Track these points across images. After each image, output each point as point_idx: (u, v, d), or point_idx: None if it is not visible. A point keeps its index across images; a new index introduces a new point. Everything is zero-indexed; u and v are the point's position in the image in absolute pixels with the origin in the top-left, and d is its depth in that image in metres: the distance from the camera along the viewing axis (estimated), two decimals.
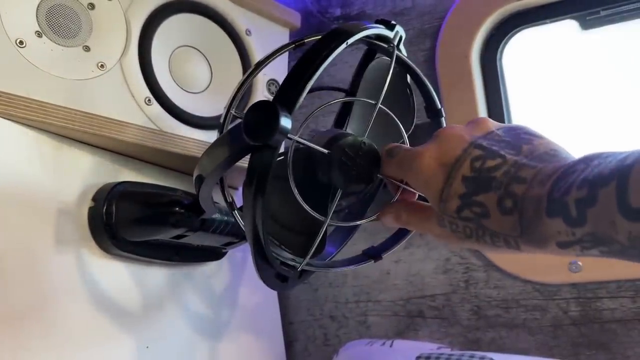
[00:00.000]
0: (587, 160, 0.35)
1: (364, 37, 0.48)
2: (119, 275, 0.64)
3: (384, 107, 0.48)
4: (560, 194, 0.33)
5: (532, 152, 0.38)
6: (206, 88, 0.74)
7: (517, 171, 0.37)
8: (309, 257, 0.50)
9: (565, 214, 0.33)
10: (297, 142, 0.44)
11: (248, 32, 0.77)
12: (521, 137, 0.41)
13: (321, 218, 0.48)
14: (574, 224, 0.33)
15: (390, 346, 0.83)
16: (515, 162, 0.38)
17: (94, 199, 0.62)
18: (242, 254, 0.84)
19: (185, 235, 0.62)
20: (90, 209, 0.61)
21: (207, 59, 0.75)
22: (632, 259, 0.32)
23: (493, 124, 0.43)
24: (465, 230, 0.39)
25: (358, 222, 0.55)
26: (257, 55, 0.77)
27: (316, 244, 0.49)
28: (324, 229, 0.49)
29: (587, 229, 0.32)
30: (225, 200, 0.52)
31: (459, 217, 0.39)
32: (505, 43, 0.87)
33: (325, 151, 0.46)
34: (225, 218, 0.64)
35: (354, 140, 0.47)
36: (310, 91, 0.43)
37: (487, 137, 0.41)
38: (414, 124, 0.56)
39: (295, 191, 0.46)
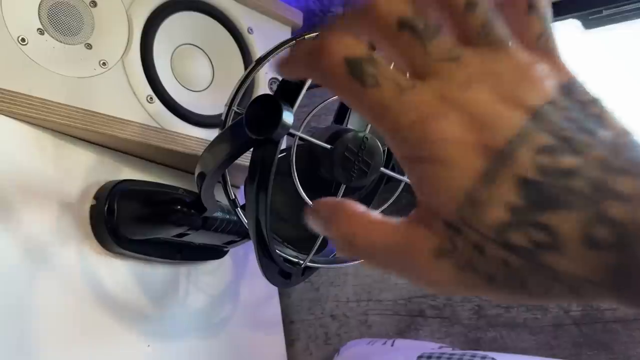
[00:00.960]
0: None
1: None
2: (120, 274, 0.64)
3: None
4: None
5: (615, 141, 0.22)
6: (208, 86, 0.74)
7: (610, 181, 0.21)
8: (313, 253, 0.50)
9: None
10: (300, 137, 0.44)
11: (250, 31, 0.77)
12: (590, 112, 0.24)
13: None
14: None
15: (392, 345, 0.83)
16: (603, 163, 0.21)
17: (96, 197, 0.62)
18: (243, 253, 0.84)
19: (187, 234, 0.62)
20: (92, 207, 0.61)
21: (209, 57, 0.74)
22: None
23: (550, 78, 0.24)
24: (496, 270, 0.22)
25: None
26: (259, 54, 0.77)
27: (320, 240, 0.49)
28: None
29: None
30: (228, 198, 0.52)
31: (501, 242, 0.21)
32: None
33: (328, 146, 0.46)
34: (227, 216, 0.64)
35: (356, 135, 0.47)
36: (310, 87, 0.43)
37: (552, 108, 0.23)
38: None
39: (299, 187, 0.46)
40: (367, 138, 0.47)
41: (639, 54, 0.86)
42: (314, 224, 0.29)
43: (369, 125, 0.48)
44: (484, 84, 0.22)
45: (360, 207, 0.27)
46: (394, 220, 0.25)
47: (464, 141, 0.22)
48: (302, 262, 0.51)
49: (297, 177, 0.47)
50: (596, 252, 0.20)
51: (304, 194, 0.47)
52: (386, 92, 0.22)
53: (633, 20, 0.83)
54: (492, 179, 0.21)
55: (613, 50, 0.88)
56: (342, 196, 0.49)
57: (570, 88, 0.24)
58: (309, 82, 0.42)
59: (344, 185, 0.48)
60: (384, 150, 0.50)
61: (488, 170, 0.21)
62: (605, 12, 0.83)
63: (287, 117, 0.40)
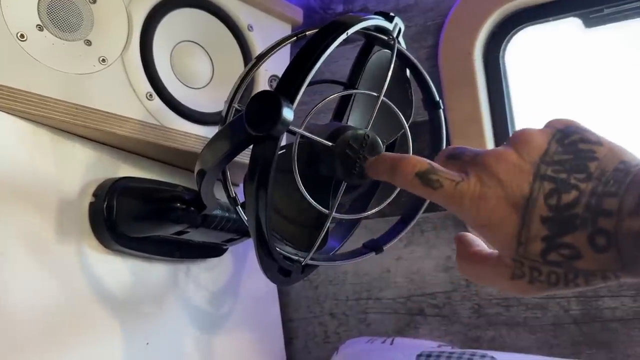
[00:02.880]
0: None
1: (363, 28, 0.47)
2: (119, 271, 0.64)
3: (386, 100, 0.48)
4: None
5: (603, 172, 0.34)
6: (208, 83, 0.74)
7: (599, 204, 0.33)
8: (313, 251, 0.50)
9: None
10: (301, 135, 0.44)
11: (250, 28, 0.77)
12: (581, 151, 0.36)
13: (325, 211, 0.48)
14: None
15: (391, 344, 0.83)
16: (592, 191, 0.34)
17: (95, 194, 0.62)
18: (242, 251, 0.83)
19: (186, 232, 0.62)
20: (91, 205, 0.61)
21: (208, 54, 0.74)
22: None
23: (541, 137, 0.37)
24: (550, 277, 0.34)
25: (363, 215, 0.55)
26: (259, 51, 0.76)
27: (321, 237, 0.49)
28: (328, 223, 0.49)
29: None
30: (228, 195, 0.52)
31: (545, 262, 0.34)
32: (508, 41, 0.87)
33: (329, 144, 0.46)
34: (227, 214, 0.63)
35: (358, 132, 0.47)
36: (310, 84, 0.43)
37: (547, 161, 0.36)
38: (412, 116, 0.56)
39: (300, 185, 0.46)
40: (368, 135, 0.47)
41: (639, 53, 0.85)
42: None
43: (371, 123, 0.48)
44: (499, 170, 0.36)
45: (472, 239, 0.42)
46: (486, 253, 0.39)
47: (501, 208, 0.35)
48: (302, 259, 0.50)
49: (298, 175, 0.46)
50: (603, 254, 0.32)
51: (305, 192, 0.46)
52: (447, 188, 0.37)
53: (634, 19, 0.83)
54: (527, 224, 0.35)
55: (614, 49, 0.88)
56: (343, 193, 0.49)
57: (561, 134, 0.37)
58: (308, 79, 0.41)
59: (345, 183, 0.48)
60: (386, 147, 0.50)
61: (521, 219, 0.35)
62: (606, 11, 0.83)
63: (287, 113, 0.40)
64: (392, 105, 0.49)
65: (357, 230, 0.62)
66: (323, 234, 0.49)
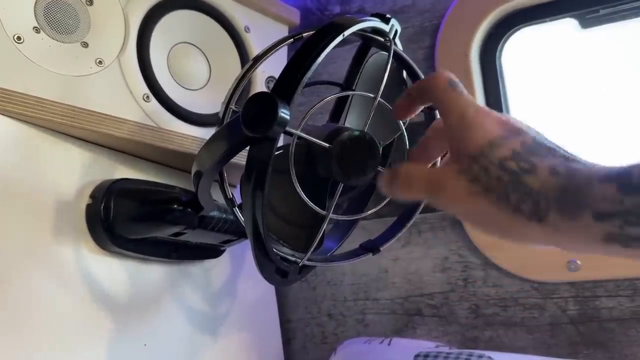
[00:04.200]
0: None
1: (360, 30, 0.47)
2: (116, 273, 0.64)
3: (383, 101, 0.48)
4: (627, 167, 0.32)
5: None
6: (205, 85, 0.74)
7: (574, 159, 0.36)
8: (310, 252, 0.50)
9: (622, 179, 0.31)
10: (298, 136, 0.44)
11: (247, 29, 0.77)
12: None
13: (322, 212, 0.48)
14: (629, 191, 0.31)
15: (389, 344, 0.83)
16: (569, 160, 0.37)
17: (92, 196, 0.62)
18: (240, 252, 0.83)
19: (184, 233, 0.62)
20: (88, 206, 0.61)
21: (205, 56, 0.74)
22: None
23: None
24: (491, 183, 0.37)
25: (360, 216, 0.55)
26: (256, 52, 0.76)
27: (318, 238, 0.49)
28: (325, 224, 0.49)
29: None
30: (225, 196, 0.52)
31: (499, 166, 0.36)
32: (505, 41, 0.87)
33: (327, 145, 0.46)
34: (224, 215, 0.63)
35: (355, 133, 0.47)
36: (307, 85, 0.43)
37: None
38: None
39: (297, 186, 0.46)
40: (365, 136, 0.47)
41: (636, 53, 0.86)
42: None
43: (368, 123, 0.48)
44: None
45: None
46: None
47: (493, 126, 0.38)
48: (299, 260, 0.51)
49: (295, 176, 0.47)
50: (555, 177, 0.34)
51: (302, 193, 0.47)
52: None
53: (630, 20, 0.83)
54: (507, 139, 0.37)
55: (610, 50, 0.88)
56: (340, 194, 0.49)
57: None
58: (305, 80, 0.42)
59: (342, 184, 0.48)
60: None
61: (505, 135, 0.38)
62: (602, 12, 0.84)
63: (284, 114, 0.40)
64: (389, 107, 0.49)
65: (355, 230, 0.62)
66: (320, 235, 0.49)
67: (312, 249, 0.50)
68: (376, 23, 0.50)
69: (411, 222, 0.56)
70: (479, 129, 0.38)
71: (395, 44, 0.52)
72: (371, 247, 0.55)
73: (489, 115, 0.39)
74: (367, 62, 0.56)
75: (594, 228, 0.32)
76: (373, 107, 0.48)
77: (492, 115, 0.39)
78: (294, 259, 0.50)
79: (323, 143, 0.46)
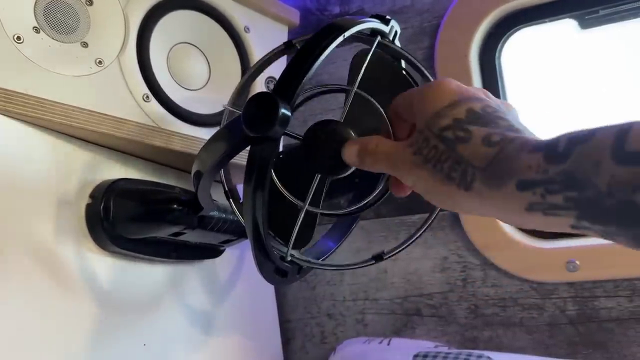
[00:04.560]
0: None
1: (358, 32, 0.48)
2: (116, 273, 0.64)
3: (361, 92, 0.48)
4: (555, 137, 0.33)
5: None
6: (204, 85, 0.74)
7: (517, 130, 0.36)
8: (291, 245, 0.50)
9: (549, 149, 0.32)
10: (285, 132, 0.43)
11: (247, 30, 0.77)
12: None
13: (300, 204, 0.48)
14: (554, 160, 0.31)
15: (388, 344, 0.83)
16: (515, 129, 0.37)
17: (92, 195, 0.62)
18: (239, 252, 0.83)
19: (183, 233, 0.62)
20: (88, 206, 0.61)
21: (205, 56, 0.74)
22: (597, 214, 0.30)
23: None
24: (429, 153, 0.38)
25: (342, 211, 0.55)
26: (255, 53, 0.77)
27: (296, 230, 0.49)
28: (302, 215, 0.48)
29: (565, 167, 0.31)
30: (225, 190, 0.52)
31: (437, 136, 0.38)
32: (504, 42, 0.87)
33: (300, 136, 0.46)
34: (224, 215, 0.64)
35: (327, 123, 0.46)
36: (322, 93, 0.43)
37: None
38: None
39: (275, 179, 0.47)
40: (337, 125, 0.46)
41: (635, 54, 0.86)
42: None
43: (344, 115, 0.48)
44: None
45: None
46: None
47: (448, 90, 0.39)
48: (284, 254, 0.50)
49: (273, 171, 0.47)
50: (487, 148, 0.35)
51: (280, 185, 0.47)
52: None
53: (629, 20, 0.83)
54: (454, 108, 0.38)
55: (609, 50, 0.88)
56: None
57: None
58: (305, 80, 0.42)
59: (319, 176, 0.48)
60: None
61: (452, 104, 0.38)
62: (601, 12, 0.84)
63: (285, 114, 0.40)
64: (370, 98, 0.49)
65: (354, 231, 0.62)
66: (303, 230, 0.49)
67: (291, 241, 0.49)
68: (376, 24, 0.50)
69: (419, 235, 0.55)
70: (431, 101, 0.39)
71: (393, 43, 0.52)
72: (377, 256, 0.55)
73: (447, 85, 0.40)
74: (368, 61, 0.56)
75: (518, 198, 0.33)
76: (350, 98, 0.48)
77: (451, 85, 0.40)
78: (281, 254, 0.50)
79: (296, 135, 0.46)
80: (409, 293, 0.91)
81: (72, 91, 0.58)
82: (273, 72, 0.80)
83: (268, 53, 0.54)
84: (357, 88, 0.56)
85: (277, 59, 0.55)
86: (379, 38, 0.51)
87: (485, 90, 0.42)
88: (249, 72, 0.56)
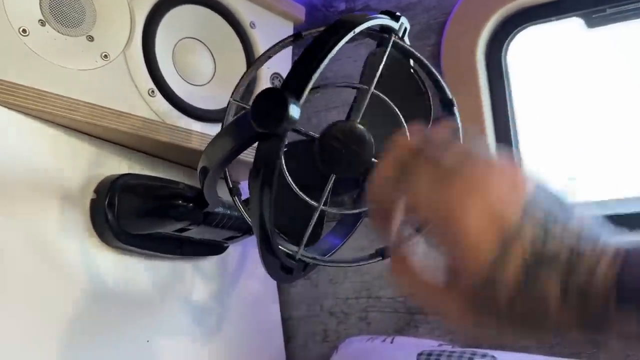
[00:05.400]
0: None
1: (368, 28, 0.47)
2: (120, 269, 0.64)
3: (377, 92, 0.48)
4: (634, 283, 0.31)
5: (580, 228, 0.34)
6: (209, 81, 0.74)
7: (578, 259, 0.32)
8: (303, 245, 0.49)
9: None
10: (293, 129, 0.43)
11: (252, 25, 0.76)
12: (560, 203, 0.35)
13: (314, 204, 0.48)
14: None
15: (391, 343, 0.82)
16: (572, 247, 0.33)
17: (96, 190, 0.61)
18: (242, 249, 0.83)
19: (188, 229, 0.61)
20: (92, 201, 0.61)
21: (210, 51, 0.74)
22: None
23: (525, 179, 0.36)
24: (497, 303, 0.33)
25: (355, 210, 0.55)
26: (261, 49, 0.76)
27: (309, 230, 0.49)
28: (316, 215, 0.49)
29: None
30: (228, 186, 0.52)
31: (504, 289, 0.33)
32: (511, 40, 0.87)
33: (316, 136, 0.46)
34: (228, 212, 0.63)
35: (345, 125, 0.46)
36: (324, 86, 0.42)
37: (534, 203, 0.34)
38: (430, 121, 0.54)
39: (288, 177, 0.46)
40: (354, 127, 0.46)
41: None
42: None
43: (360, 116, 0.47)
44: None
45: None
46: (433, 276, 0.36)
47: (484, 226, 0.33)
48: (295, 254, 0.50)
49: (285, 168, 0.46)
50: (569, 305, 0.32)
51: (292, 183, 0.47)
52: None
53: (637, 19, 0.82)
54: (507, 252, 0.32)
55: (616, 50, 0.87)
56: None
57: (539, 184, 0.35)
58: (315, 77, 0.41)
59: (334, 176, 0.47)
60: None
61: (503, 246, 0.33)
62: (609, 11, 0.83)
63: (294, 111, 0.39)
64: (387, 99, 0.49)
65: (359, 227, 0.62)
66: (314, 229, 0.49)
67: (304, 241, 0.49)
68: (386, 21, 0.50)
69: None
70: (474, 240, 0.33)
71: (403, 41, 0.52)
72: (383, 252, 0.55)
73: (477, 204, 0.33)
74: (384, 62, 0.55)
75: (617, 340, 0.33)
76: (366, 99, 0.47)
77: (482, 203, 0.33)
78: (291, 252, 0.50)
79: (313, 134, 0.46)
80: None
81: (77, 85, 0.58)
82: (278, 69, 0.79)
83: (276, 43, 0.53)
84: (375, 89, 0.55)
85: (283, 49, 0.54)
86: (394, 37, 0.50)
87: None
88: (256, 62, 0.55)
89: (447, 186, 0.34)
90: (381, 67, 0.48)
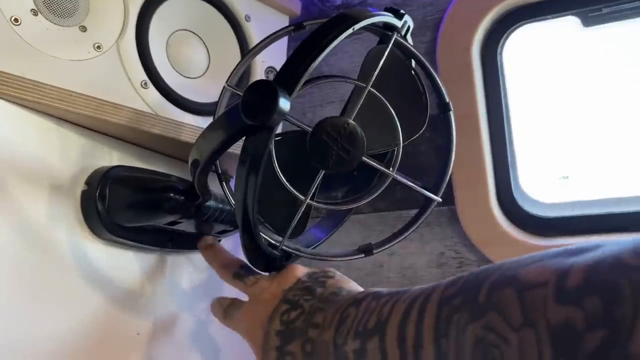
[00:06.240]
0: (357, 303, 0.43)
1: (369, 24, 0.47)
2: (110, 261, 0.63)
3: (373, 90, 0.48)
4: (342, 342, 0.41)
5: (322, 294, 0.47)
6: (203, 73, 0.73)
7: (312, 317, 0.45)
8: (287, 235, 0.50)
9: None
10: (285, 119, 0.43)
11: (247, 18, 0.76)
12: (318, 281, 0.49)
13: (301, 197, 0.48)
14: None
15: None
16: (310, 307, 0.46)
17: (87, 182, 0.61)
18: (233, 244, 0.83)
19: (180, 222, 0.61)
20: (83, 193, 0.61)
21: (205, 44, 0.74)
22: None
23: (300, 271, 0.51)
24: None
25: (343, 207, 0.55)
26: (255, 42, 0.76)
27: (295, 222, 0.49)
28: (303, 208, 0.49)
29: None
30: (217, 172, 0.53)
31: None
32: (507, 37, 0.87)
33: (309, 129, 0.45)
34: (220, 206, 0.63)
35: (338, 120, 0.46)
36: (326, 77, 0.42)
37: (293, 288, 0.49)
38: (425, 124, 0.54)
39: (277, 169, 0.46)
40: (347, 124, 0.46)
41: (638, 52, 0.85)
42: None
43: (355, 113, 0.47)
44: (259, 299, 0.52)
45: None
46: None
47: (254, 327, 0.50)
48: (278, 244, 0.50)
49: (275, 159, 0.46)
50: (309, 358, 0.44)
51: (281, 175, 0.47)
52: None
53: (633, 19, 0.82)
54: (267, 338, 0.48)
55: (611, 49, 0.87)
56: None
57: (311, 271, 0.52)
58: (309, 71, 0.41)
59: (322, 171, 0.47)
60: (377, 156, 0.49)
61: (265, 334, 0.48)
62: (605, 10, 0.83)
63: (284, 104, 0.39)
64: (383, 100, 0.48)
65: (351, 225, 0.62)
66: (300, 221, 0.49)
67: (289, 232, 0.50)
68: (388, 18, 0.50)
69: (410, 232, 0.55)
70: (252, 339, 0.52)
71: (405, 39, 0.51)
72: (366, 249, 0.55)
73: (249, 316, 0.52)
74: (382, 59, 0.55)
75: None
76: (362, 96, 0.47)
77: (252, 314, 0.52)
78: (275, 242, 0.50)
79: (306, 127, 0.46)
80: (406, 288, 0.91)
81: (69, 75, 0.58)
82: (273, 62, 0.79)
83: (276, 32, 0.53)
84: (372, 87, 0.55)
85: (282, 38, 0.54)
86: (396, 35, 0.50)
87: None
88: (254, 49, 0.55)
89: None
90: (380, 65, 0.47)
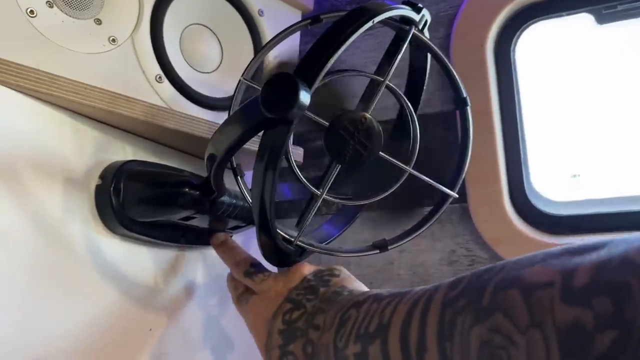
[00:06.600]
0: (358, 305, 0.42)
1: (387, 18, 0.46)
2: (123, 256, 0.63)
3: (392, 86, 0.47)
4: (342, 345, 0.41)
5: (324, 294, 0.47)
6: (216, 68, 0.73)
7: (313, 318, 0.45)
8: (302, 230, 0.50)
9: None
10: (305, 113, 0.42)
11: (261, 13, 0.76)
12: (323, 279, 0.49)
13: (316, 192, 0.47)
14: None
15: None
16: (312, 308, 0.46)
17: (101, 176, 0.61)
18: (246, 239, 0.83)
19: (194, 217, 0.61)
20: (97, 187, 0.60)
21: (218, 38, 0.73)
22: None
23: (307, 270, 0.51)
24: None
25: (357, 202, 0.54)
26: (268, 37, 0.76)
27: (310, 216, 0.49)
28: (319, 203, 0.48)
29: None
30: (232, 166, 0.53)
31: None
32: (520, 34, 0.86)
33: (326, 124, 0.45)
34: (234, 201, 0.63)
35: (356, 115, 0.45)
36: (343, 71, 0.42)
37: (298, 287, 0.49)
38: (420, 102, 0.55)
39: (293, 163, 0.46)
40: (365, 118, 0.45)
41: None
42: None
43: (372, 107, 0.47)
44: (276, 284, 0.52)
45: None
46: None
47: (259, 323, 0.52)
48: (292, 238, 0.50)
49: (292, 154, 0.46)
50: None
51: (297, 170, 0.46)
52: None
53: None
54: (271, 336, 0.48)
55: (626, 46, 0.87)
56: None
57: (318, 269, 0.52)
58: (329, 64, 0.40)
59: (339, 166, 0.47)
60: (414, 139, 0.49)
61: (268, 332, 0.49)
62: (619, 7, 0.82)
63: (304, 97, 0.39)
64: (402, 95, 0.48)
65: (363, 222, 0.62)
66: (311, 214, 0.49)
67: (303, 227, 0.49)
68: (406, 11, 0.49)
69: (425, 228, 0.55)
70: (256, 335, 0.54)
71: (422, 33, 0.51)
72: (381, 245, 0.54)
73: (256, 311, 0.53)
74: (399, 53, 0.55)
75: None
76: (380, 91, 0.47)
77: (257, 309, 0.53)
78: (289, 237, 0.50)
79: (322, 121, 0.45)
80: (416, 285, 0.90)
81: (84, 68, 0.57)
82: (285, 57, 0.78)
83: (292, 25, 0.52)
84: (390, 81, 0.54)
85: (297, 32, 0.54)
86: (414, 29, 0.49)
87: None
88: (270, 42, 0.55)
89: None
90: (398, 59, 0.47)
